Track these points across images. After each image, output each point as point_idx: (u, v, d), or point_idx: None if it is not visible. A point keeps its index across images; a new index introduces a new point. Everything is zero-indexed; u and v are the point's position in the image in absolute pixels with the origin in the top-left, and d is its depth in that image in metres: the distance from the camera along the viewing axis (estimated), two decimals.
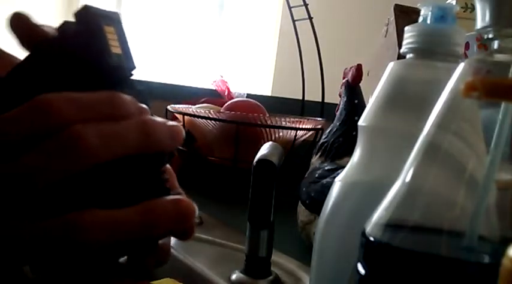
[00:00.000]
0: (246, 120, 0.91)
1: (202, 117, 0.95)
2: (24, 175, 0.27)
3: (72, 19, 0.32)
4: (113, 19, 0.32)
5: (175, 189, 0.34)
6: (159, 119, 0.31)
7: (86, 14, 0.31)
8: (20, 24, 0.32)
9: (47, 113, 0.28)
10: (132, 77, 0.33)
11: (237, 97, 1.17)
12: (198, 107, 1.03)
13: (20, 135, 0.28)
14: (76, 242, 0.28)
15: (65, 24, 0.32)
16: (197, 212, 0.31)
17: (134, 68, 0.33)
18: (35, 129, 0.28)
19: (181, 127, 0.31)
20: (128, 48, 0.32)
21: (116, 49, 0.31)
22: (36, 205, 0.28)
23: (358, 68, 0.67)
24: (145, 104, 0.32)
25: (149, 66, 1.92)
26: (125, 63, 0.32)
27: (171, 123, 0.31)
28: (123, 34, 0.32)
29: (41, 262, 0.29)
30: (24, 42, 0.32)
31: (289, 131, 0.95)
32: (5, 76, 0.32)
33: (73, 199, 0.28)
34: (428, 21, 0.34)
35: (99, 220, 0.28)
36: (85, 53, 0.31)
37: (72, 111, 0.28)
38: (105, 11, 0.32)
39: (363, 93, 0.67)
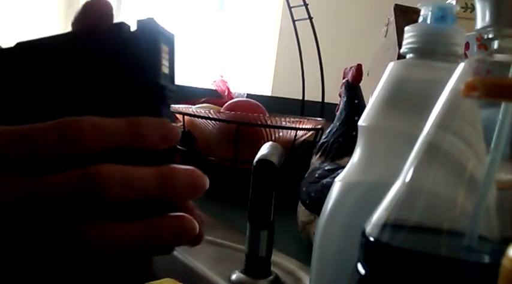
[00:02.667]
0: (246, 120, 0.91)
1: (202, 117, 0.95)
2: (39, 196, 0.28)
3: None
4: (169, 39, 0.33)
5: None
6: (181, 168, 0.32)
7: (150, 27, 0.31)
8: (97, 7, 0.32)
9: (74, 136, 0.29)
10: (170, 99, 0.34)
11: (237, 97, 1.17)
12: (198, 107, 1.03)
13: (42, 150, 0.29)
14: (82, 254, 0.29)
15: (122, 25, 0.32)
16: (197, 229, 0.32)
17: (175, 90, 0.33)
18: (58, 149, 0.29)
19: (203, 175, 0.32)
20: (174, 70, 0.33)
21: (165, 69, 0.32)
22: (44, 216, 0.29)
23: (358, 68, 0.67)
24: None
25: None
26: (169, 84, 0.33)
27: (194, 173, 0.32)
28: (173, 55, 0.33)
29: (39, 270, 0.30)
30: (81, 21, 0.33)
31: (289, 131, 0.95)
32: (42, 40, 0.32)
33: (82, 212, 0.29)
34: (428, 21, 0.34)
35: (108, 234, 0.29)
36: (137, 65, 0.31)
37: (97, 138, 0.29)
38: (164, 29, 0.32)
39: (363, 93, 0.67)
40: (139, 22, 0.32)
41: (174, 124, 0.32)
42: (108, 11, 0.32)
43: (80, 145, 0.29)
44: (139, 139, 0.30)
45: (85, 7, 0.32)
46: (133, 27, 0.32)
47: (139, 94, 0.32)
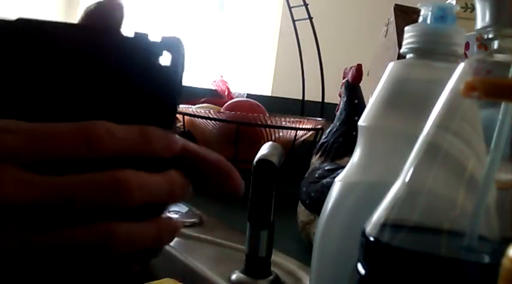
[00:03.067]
0: (246, 120, 0.91)
1: (202, 117, 0.95)
2: (63, 195, 0.29)
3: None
4: (184, 57, 0.34)
5: None
6: (177, 174, 0.34)
7: (177, 48, 0.32)
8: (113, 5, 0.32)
9: (89, 141, 0.29)
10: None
11: (237, 97, 1.17)
12: (198, 107, 1.03)
13: (55, 151, 0.29)
14: (108, 251, 0.29)
15: (147, 36, 0.32)
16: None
17: (180, 100, 0.35)
18: (71, 151, 0.29)
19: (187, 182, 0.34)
20: (182, 85, 0.34)
21: None
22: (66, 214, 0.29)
23: (358, 68, 0.67)
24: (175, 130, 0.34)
25: None
26: (178, 99, 0.34)
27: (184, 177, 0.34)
28: (183, 72, 0.34)
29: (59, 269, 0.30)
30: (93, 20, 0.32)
31: (289, 131, 0.95)
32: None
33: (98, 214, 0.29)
34: (428, 21, 0.34)
35: (130, 230, 0.30)
36: (157, 80, 0.32)
37: (110, 145, 0.30)
38: (183, 47, 0.33)
39: (363, 93, 0.67)
40: (164, 39, 0.32)
41: (176, 136, 0.33)
42: (121, 12, 0.32)
43: (93, 150, 0.29)
44: (147, 148, 0.31)
45: (99, 4, 0.32)
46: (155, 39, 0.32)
47: (154, 106, 0.32)
